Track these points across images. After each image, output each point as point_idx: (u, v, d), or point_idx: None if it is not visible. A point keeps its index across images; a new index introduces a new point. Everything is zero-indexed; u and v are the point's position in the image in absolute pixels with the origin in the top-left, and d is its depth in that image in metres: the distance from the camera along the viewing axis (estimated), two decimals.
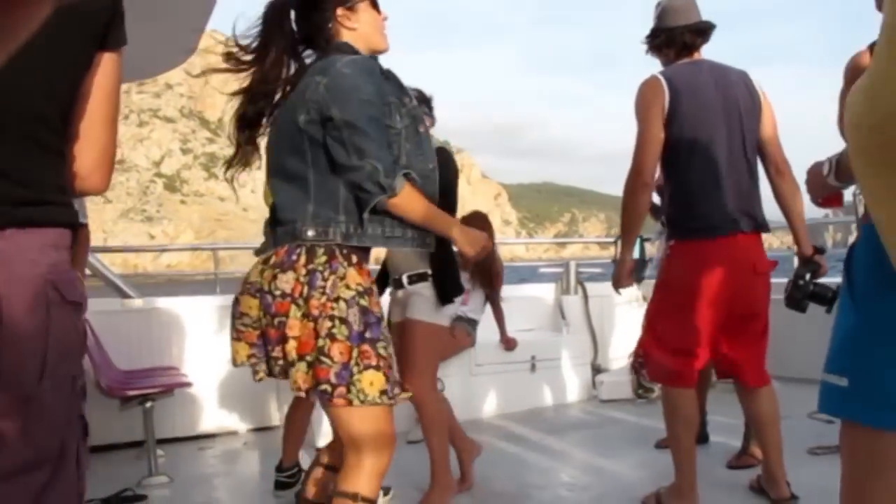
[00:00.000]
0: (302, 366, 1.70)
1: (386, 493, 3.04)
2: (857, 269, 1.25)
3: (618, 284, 2.76)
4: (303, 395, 1.73)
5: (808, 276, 2.70)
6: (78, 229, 2.86)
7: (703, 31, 2.73)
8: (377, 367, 1.71)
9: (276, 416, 4.50)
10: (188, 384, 3.75)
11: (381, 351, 1.73)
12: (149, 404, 3.42)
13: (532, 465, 3.50)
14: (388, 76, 1.84)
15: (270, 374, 1.84)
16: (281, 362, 1.76)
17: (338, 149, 1.71)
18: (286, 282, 1.70)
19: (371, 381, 1.69)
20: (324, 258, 1.71)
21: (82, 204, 2.78)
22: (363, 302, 1.73)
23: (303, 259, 1.71)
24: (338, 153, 1.72)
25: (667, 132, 2.61)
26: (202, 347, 4.32)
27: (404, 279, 2.95)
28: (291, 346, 1.70)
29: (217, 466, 3.82)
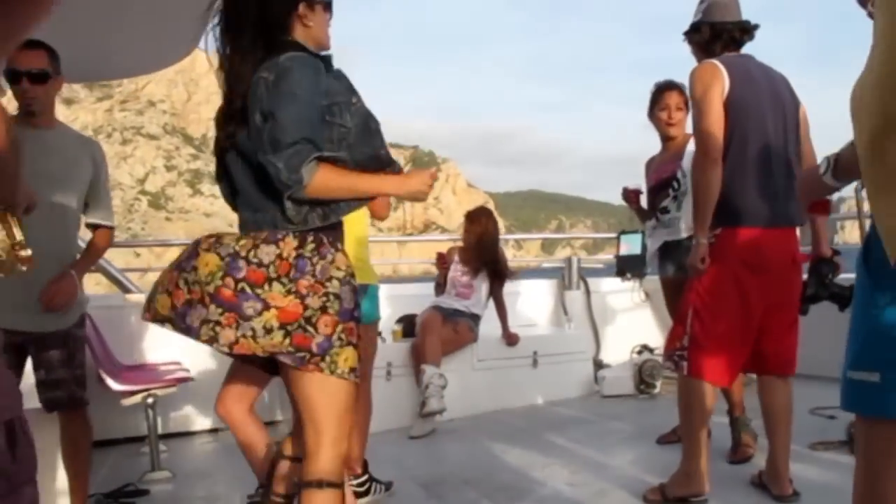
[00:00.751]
0: (279, 334, 1.71)
1: (388, 488, 3.04)
2: (879, 263, 1.23)
3: (693, 270, 2.70)
4: (264, 355, 1.73)
5: (830, 276, 2.75)
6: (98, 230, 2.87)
7: (750, 29, 2.78)
8: (355, 346, 1.79)
9: (279, 411, 4.51)
10: (190, 379, 3.76)
11: (359, 332, 1.82)
12: (151, 399, 3.43)
13: (533, 460, 3.50)
14: (339, 76, 1.87)
15: (188, 334, 1.78)
16: (233, 328, 1.70)
17: (261, 140, 1.75)
18: (267, 253, 1.72)
19: (346, 357, 1.77)
20: (312, 245, 1.75)
21: (109, 208, 2.85)
22: (353, 282, 1.81)
23: (290, 240, 1.74)
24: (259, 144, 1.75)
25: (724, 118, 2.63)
26: None
27: None
28: (272, 314, 1.70)
29: (219, 461, 3.83)
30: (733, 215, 2.65)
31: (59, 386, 2.56)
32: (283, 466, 2.07)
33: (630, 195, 3.85)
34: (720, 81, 2.62)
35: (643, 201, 3.85)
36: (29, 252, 1.50)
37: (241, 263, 1.71)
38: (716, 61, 2.67)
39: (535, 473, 3.28)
